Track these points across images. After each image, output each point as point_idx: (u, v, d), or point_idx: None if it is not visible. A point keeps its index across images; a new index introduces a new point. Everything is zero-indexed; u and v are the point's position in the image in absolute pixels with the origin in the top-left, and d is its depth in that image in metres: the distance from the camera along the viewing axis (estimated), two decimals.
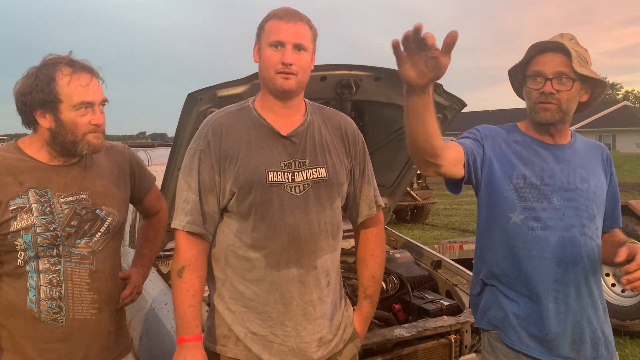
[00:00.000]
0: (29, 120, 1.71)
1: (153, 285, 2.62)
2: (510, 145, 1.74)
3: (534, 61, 1.69)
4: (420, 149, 1.50)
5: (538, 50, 1.68)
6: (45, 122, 1.69)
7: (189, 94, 2.14)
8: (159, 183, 2.74)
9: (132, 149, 4.21)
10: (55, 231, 1.69)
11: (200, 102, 2.15)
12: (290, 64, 1.55)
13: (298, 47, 1.57)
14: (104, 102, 1.75)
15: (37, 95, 1.65)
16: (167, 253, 2.98)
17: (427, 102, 1.39)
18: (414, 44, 1.25)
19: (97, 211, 1.79)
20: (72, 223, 1.73)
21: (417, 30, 1.21)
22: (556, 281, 1.65)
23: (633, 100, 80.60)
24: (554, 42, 1.65)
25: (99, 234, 1.79)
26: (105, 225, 1.80)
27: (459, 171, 1.66)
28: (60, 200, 1.73)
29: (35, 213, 1.67)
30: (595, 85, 1.71)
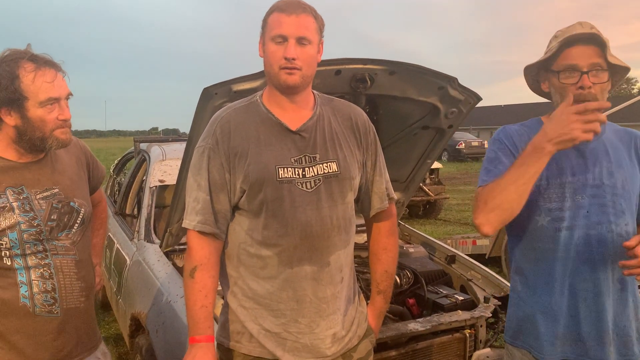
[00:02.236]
0: None
1: (169, 278, 2.64)
2: None
3: (563, 55, 1.60)
4: (508, 214, 1.54)
5: (567, 42, 1.59)
6: (11, 120, 1.68)
7: (205, 88, 2.14)
8: (174, 178, 2.75)
9: (146, 144, 4.25)
10: (39, 226, 1.72)
11: (215, 97, 2.14)
12: (294, 59, 1.51)
13: (301, 41, 1.52)
14: (69, 96, 1.75)
15: (0, 94, 1.63)
16: (181, 247, 3.00)
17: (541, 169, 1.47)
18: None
19: (71, 203, 1.83)
20: (53, 217, 1.76)
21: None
22: (584, 280, 1.62)
23: None
24: (584, 33, 1.58)
25: (77, 225, 1.83)
26: (80, 216, 1.85)
27: None
28: (37, 196, 1.75)
29: (17, 211, 1.69)
30: (616, 72, 1.65)
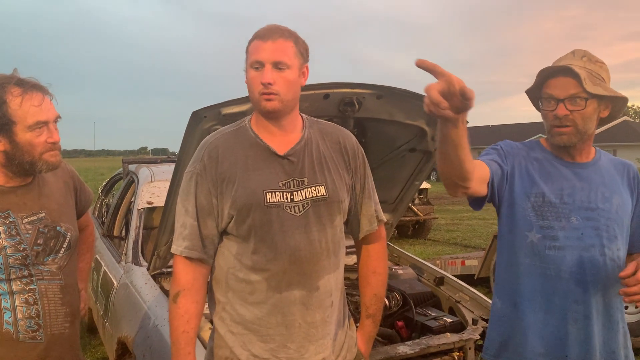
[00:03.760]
0: None
1: (156, 302, 2.62)
2: (531, 162, 1.73)
3: (547, 83, 1.68)
4: (453, 173, 1.51)
5: (548, 73, 1.67)
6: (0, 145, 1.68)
7: (194, 112, 2.15)
8: (162, 200, 2.75)
9: (135, 165, 4.23)
10: (25, 251, 1.71)
11: (204, 120, 2.15)
12: (270, 84, 1.51)
13: (278, 65, 1.52)
14: (57, 118, 1.75)
15: None
16: (169, 270, 2.97)
17: (463, 131, 1.39)
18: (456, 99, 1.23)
19: (58, 228, 1.82)
20: (39, 242, 1.75)
21: (464, 93, 1.20)
22: (575, 302, 1.64)
23: (633, 115, 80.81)
24: (560, 66, 1.65)
25: (63, 249, 1.83)
26: (67, 240, 1.85)
27: (483, 190, 1.67)
28: (24, 221, 1.74)
29: (2, 235, 1.68)
30: (614, 100, 1.68)
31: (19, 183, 1.77)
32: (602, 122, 1.73)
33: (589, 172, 1.71)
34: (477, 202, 1.74)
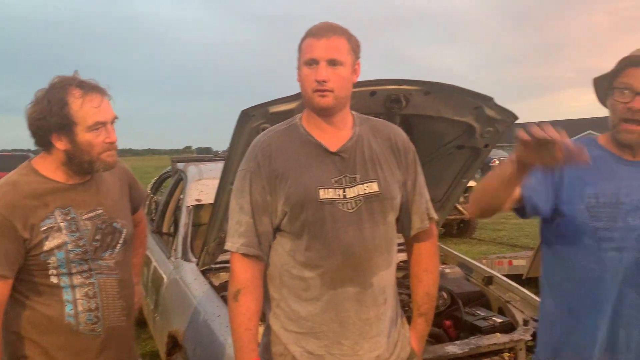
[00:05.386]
0: (44, 143, 1.77)
1: (206, 297, 2.67)
2: None
3: (625, 73, 1.58)
4: (491, 205, 1.59)
5: (630, 62, 1.58)
6: (61, 144, 1.74)
7: (242, 110, 2.18)
8: (211, 197, 2.80)
9: (184, 163, 4.34)
10: (84, 247, 1.78)
11: (253, 119, 2.19)
12: (325, 81, 1.53)
13: (332, 63, 1.54)
14: (114, 119, 1.81)
15: (51, 120, 1.69)
16: (218, 265, 3.04)
17: (521, 179, 1.46)
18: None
19: (114, 224, 1.88)
20: (97, 237, 1.82)
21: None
22: (631, 306, 1.58)
23: None
24: None
25: (119, 245, 1.89)
26: (123, 236, 1.91)
27: (510, 207, 1.65)
28: (83, 217, 1.81)
29: (64, 231, 1.75)
30: None
31: (78, 181, 1.83)
32: None
33: None
34: (519, 213, 1.69)
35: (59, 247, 1.73)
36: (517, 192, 1.59)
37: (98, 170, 1.82)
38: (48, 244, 1.72)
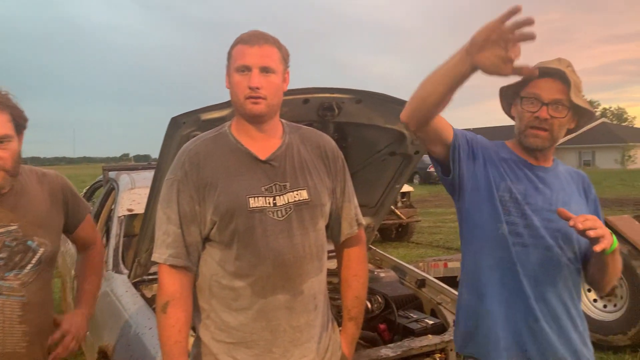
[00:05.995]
0: None
1: (137, 310, 2.59)
2: (499, 160, 1.75)
3: (532, 83, 1.68)
4: (422, 103, 1.54)
5: (539, 73, 1.63)
6: None
7: (172, 118, 2.14)
8: (143, 207, 2.73)
9: (115, 172, 4.19)
10: None
11: (183, 126, 2.14)
12: (258, 88, 1.53)
13: (265, 70, 1.54)
14: (3, 138, 1.68)
15: None
16: (150, 277, 2.95)
17: (465, 77, 1.43)
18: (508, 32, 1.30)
19: (29, 242, 1.77)
20: (2, 255, 1.71)
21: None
22: (535, 300, 1.66)
23: (610, 117, 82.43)
24: (554, 69, 1.65)
25: (30, 265, 1.77)
26: (36, 256, 1.78)
27: (435, 146, 1.71)
28: None
29: None
30: (582, 114, 1.72)
31: None
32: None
33: (550, 176, 1.75)
34: (439, 164, 1.79)
35: None
36: (443, 128, 1.68)
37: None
38: None
